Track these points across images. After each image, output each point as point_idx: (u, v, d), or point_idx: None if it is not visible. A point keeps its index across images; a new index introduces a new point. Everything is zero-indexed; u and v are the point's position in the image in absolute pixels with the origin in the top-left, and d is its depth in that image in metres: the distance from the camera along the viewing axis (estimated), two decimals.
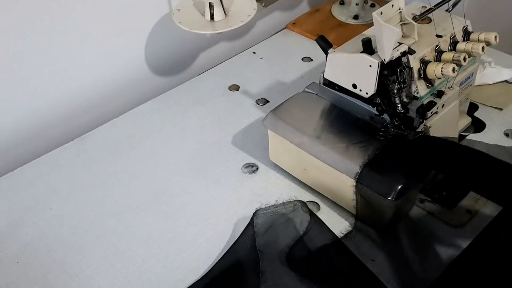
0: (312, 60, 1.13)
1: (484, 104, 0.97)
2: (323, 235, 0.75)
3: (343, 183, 0.77)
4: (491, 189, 0.73)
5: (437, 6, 0.79)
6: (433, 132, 0.79)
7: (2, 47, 0.88)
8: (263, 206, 0.81)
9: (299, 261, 0.74)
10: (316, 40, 0.81)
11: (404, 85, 0.75)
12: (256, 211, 0.80)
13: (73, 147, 0.95)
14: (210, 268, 0.75)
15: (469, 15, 0.80)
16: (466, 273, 0.71)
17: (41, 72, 0.95)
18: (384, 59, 0.71)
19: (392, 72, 0.74)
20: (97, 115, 1.04)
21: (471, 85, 0.87)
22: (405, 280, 0.72)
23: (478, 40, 0.79)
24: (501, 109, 0.96)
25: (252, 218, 0.79)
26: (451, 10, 0.80)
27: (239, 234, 0.78)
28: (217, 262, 0.75)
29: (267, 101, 1.03)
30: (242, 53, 1.17)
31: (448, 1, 0.79)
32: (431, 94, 0.78)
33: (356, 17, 1.24)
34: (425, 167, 0.77)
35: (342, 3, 1.29)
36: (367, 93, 0.75)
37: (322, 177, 0.81)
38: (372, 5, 1.26)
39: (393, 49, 0.71)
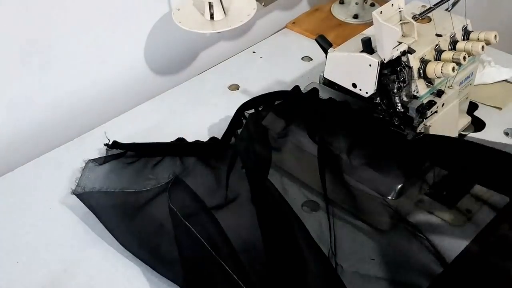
0: (312, 59, 1.13)
1: (483, 104, 0.97)
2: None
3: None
4: (495, 181, 0.72)
5: (437, 5, 0.79)
6: (432, 132, 0.79)
7: (1, 48, 0.88)
8: None
9: None
10: (316, 40, 0.81)
11: (404, 85, 0.75)
12: None
13: (73, 147, 0.95)
14: None
15: (469, 14, 0.80)
16: (466, 272, 0.71)
17: (40, 72, 0.95)
18: (384, 59, 0.71)
19: (392, 72, 0.74)
20: (97, 114, 1.04)
21: (470, 84, 0.87)
22: (405, 279, 0.72)
23: (478, 39, 0.79)
24: (500, 108, 0.96)
25: None
26: (450, 9, 0.80)
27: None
28: None
29: None
30: (242, 52, 1.17)
31: (447, 1, 0.79)
32: (431, 94, 0.79)
33: (355, 16, 1.24)
34: (425, 166, 0.77)
35: (341, 2, 1.29)
36: (367, 93, 0.75)
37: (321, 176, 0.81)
38: (372, 5, 1.26)
39: (393, 49, 0.71)
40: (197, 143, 0.90)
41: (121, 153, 0.87)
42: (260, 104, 0.87)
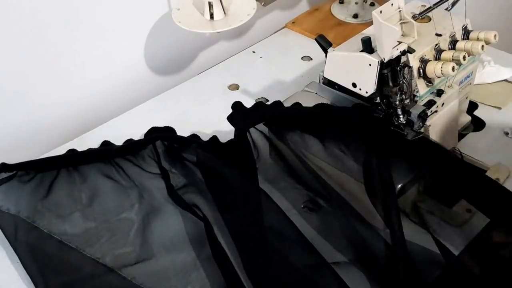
0: (311, 59, 1.13)
1: (483, 103, 0.97)
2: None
3: (342, 181, 0.77)
4: (479, 201, 0.73)
5: (437, 5, 0.79)
6: (433, 131, 0.80)
7: (2, 48, 0.88)
8: None
9: None
10: (316, 39, 0.81)
11: (404, 84, 0.75)
12: None
13: (72, 146, 0.95)
14: None
15: (469, 13, 0.80)
16: (465, 272, 0.71)
17: (40, 72, 0.95)
18: (384, 58, 0.71)
19: (392, 71, 0.74)
20: (97, 114, 1.04)
21: (470, 84, 0.87)
22: (405, 278, 0.72)
23: (478, 38, 0.79)
24: (500, 108, 0.96)
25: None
26: (450, 9, 0.80)
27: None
28: None
29: (267, 100, 1.03)
30: (241, 52, 1.17)
31: (447, 0, 0.79)
32: (430, 93, 0.79)
33: (355, 16, 1.24)
34: (424, 167, 0.77)
35: (341, 2, 1.29)
36: (366, 92, 0.75)
37: (322, 176, 0.81)
38: (372, 4, 1.26)
39: (393, 48, 0.71)
40: (90, 150, 0.90)
41: (12, 175, 0.83)
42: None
